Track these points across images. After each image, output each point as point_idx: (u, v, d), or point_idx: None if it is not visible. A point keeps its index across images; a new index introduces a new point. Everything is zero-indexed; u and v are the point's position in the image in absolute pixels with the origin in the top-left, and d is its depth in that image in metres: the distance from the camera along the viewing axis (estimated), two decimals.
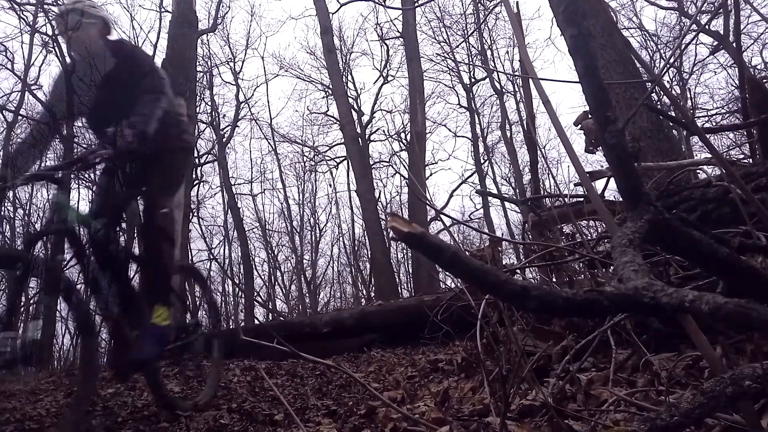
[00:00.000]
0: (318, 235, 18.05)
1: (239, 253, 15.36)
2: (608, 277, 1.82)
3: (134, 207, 2.59)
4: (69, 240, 2.19)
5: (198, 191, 16.36)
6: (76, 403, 2.06)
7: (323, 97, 17.42)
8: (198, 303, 2.86)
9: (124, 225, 2.75)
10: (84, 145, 3.09)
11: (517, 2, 7.97)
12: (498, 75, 15.40)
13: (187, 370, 2.91)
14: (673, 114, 4.18)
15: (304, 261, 17.13)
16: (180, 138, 2.63)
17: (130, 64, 2.47)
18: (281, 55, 27.75)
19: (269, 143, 17.55)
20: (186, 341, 2.59)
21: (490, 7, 13.77)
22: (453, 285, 3.63)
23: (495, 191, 16.52)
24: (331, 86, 13.57)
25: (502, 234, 15.51)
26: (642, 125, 4.43)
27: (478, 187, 17.60)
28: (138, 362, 2.30)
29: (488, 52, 16.36)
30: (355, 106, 16.23)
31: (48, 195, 1.98)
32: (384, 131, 17.61)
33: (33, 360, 2.17)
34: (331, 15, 12.61)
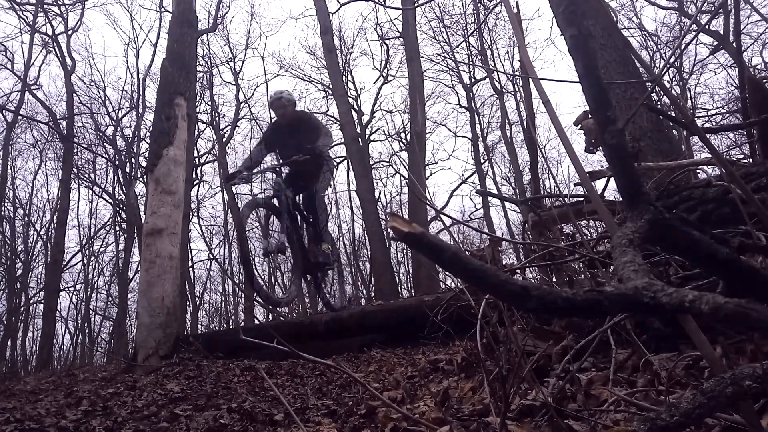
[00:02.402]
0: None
1: (239, 253, 15.33)
2: (608, 277, 1.82)
3: (311, 190, 5.14)
4: (282, 201, 4.79)
5: (198, 191, 16.39)
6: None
7: (323, 97, 17.46)
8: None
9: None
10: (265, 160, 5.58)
11: (517, 2, 7.97)
12: (498, 75, 15.40)
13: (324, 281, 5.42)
14: (673, 114, 4.18)
15: None
16: (327, 161, 5.32)
17: (307, 122, 5.22)
18: (281, 55, 27.79)
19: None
20: (328, 268, 5.32)
21: (490, 7, 13.77)
22: (453, 285, 3.63)
23: (495, 191, 16.53)
24: (331, 86, 13.57)
25: (502, 234, 15.52)
26: (642, 125, 4.43)
27: (478, 187, 17.63)
28: (316, 266, 5.09)
29: (488, 52, 16.37)
30: (355, 106, 16.25)
31: (270, 179, 5.43)
32: (384, 131, 17.63)
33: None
34: (331, 15, 12.61)
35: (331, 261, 5.30)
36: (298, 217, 5.10)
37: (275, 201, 4.90)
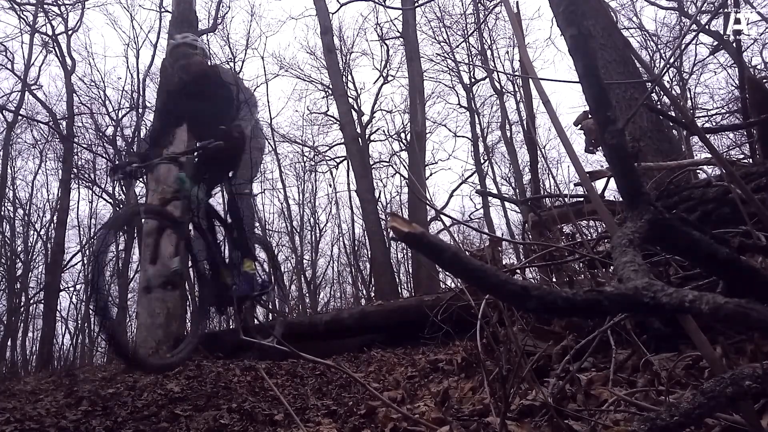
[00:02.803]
0: (318, 235, 18.06)
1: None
2: (608, 277, 1.82)
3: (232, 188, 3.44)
4: (186, 204, 3.11)
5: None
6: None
7: (323, 97, 17.46)
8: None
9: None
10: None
11: (517, 2, 7.97)
12: (498, 75, 15.41)
13: (253, 313, 3.85)
14: (673, 114, 4.18)
15: (304, 261, 17.14)
16: (256, 139, 3.52)
17: (224, 84, 3.38)
18: (281, 55, 27.82)
19: (269, 143, 17.54)
20: (261, 292, 3.61)
21: (490, 7, 13.77)
22: (453, 285, 3.63)
23: (495, 191, 16.54)
24: (331, 86, 13.58)
25: (502, 234, 15.53)
26: (642, 125, 4.43)
27: (478, 187, 17.63)
28: (233, 298, 3.25)
29: (488, 52, 16.37)
30: (355, 106, 16.25)
31: (174, 172, 3.46)
32: (384, 131, 17.64)
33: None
34: (331, 15, 12.61)
35: (256, 287, 3.50)
36: (215, 227, 3.40)
37: (174, 206, 3.26)
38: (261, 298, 3.71)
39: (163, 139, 3.63)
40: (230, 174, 3.45)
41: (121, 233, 15.16)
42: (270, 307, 3.98)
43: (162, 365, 3.06)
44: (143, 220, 3.58)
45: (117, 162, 3.68)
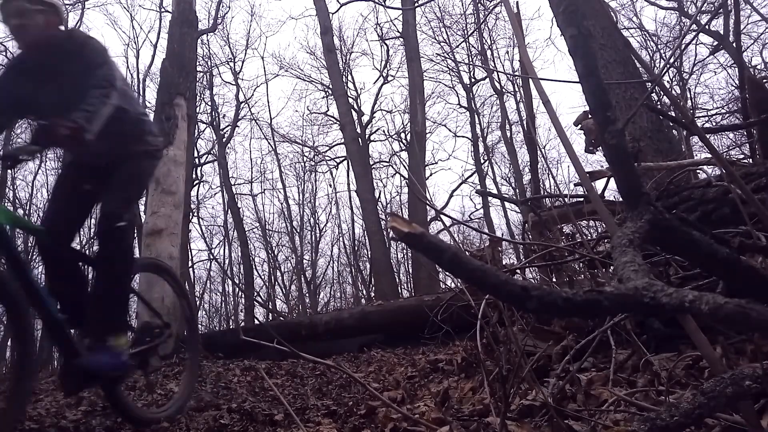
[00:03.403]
0: (318, 235, 18.05)
1: (239, 253, 15.37)
2: (608, 277, 1.82)
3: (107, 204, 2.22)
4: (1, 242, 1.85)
5: (198, 191, 16.38)
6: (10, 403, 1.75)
7: (323, 97, 17.41)
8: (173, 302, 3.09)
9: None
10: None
11: (517, 2, 7.98)
12: (498, 75, 15.40)
13: (149, 375, 2.61)
14: (673, 114, 4.18)
15: (304, 261, 17.14)
16: (141, 140, 2.34)
17: (80, 56, 2.15)
18: (281, 55, 27.69)
19: (269, 143, 17.55)
20: (152, 344, 2.41)
21: (490, 7, 13.76)
22: (453, 285, 3.63)
23: (495, 191, 16.52)
24: (331, 86, 13.57)
25: (502, 234, 15.51)
26: (642, 125, 4.43)
27: (478, 187, 17.60)
28: (89, 376, 2.03)
29: (488, 52, 16.35)
30: (355, 106, 16.23)
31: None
32: (384, 131, 17.60)
33: None
34: (331, 15, 12.61)
35: (118, 366, 2.10)
36: (61, 276, 2.19)
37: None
38: (152, 353, 2.46)
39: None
40: (116, 194, 2.24)
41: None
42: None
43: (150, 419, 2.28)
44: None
45: None
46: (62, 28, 2.31)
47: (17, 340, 1.85)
